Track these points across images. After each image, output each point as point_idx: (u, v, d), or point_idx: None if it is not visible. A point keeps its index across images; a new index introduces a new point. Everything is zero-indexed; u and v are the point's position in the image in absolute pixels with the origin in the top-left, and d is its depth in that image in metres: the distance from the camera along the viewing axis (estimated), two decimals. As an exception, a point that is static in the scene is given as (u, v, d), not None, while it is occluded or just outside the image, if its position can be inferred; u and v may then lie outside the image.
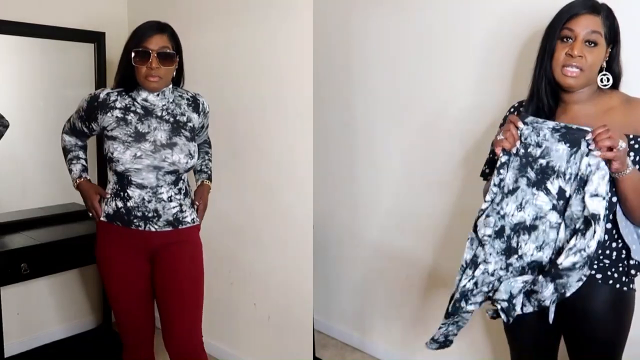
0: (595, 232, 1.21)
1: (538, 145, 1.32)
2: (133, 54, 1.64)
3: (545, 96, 1.40)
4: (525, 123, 1.33)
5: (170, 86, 1.77)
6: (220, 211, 2.55)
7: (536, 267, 1.33)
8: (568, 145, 1.28)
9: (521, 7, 1.95)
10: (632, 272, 1.38)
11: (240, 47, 2.38)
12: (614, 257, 1.36)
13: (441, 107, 2.27)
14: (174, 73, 1.75)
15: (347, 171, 2.70)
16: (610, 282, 1.36)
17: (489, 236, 1.35)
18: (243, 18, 2.35)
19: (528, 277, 1.32)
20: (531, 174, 1.33)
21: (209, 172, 2.01)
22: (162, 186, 1.72)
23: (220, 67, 2.48)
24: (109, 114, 1.71)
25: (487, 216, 1.36)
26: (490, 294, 1.36)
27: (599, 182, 1.23)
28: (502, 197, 1.35)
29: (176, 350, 1.80)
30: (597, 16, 1.32)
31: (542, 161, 1.32)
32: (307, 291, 2.28)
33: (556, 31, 1.35)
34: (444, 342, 1.50)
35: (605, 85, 1.37)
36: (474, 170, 2.17)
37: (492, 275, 1.35)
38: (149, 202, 1.71)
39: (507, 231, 1.35)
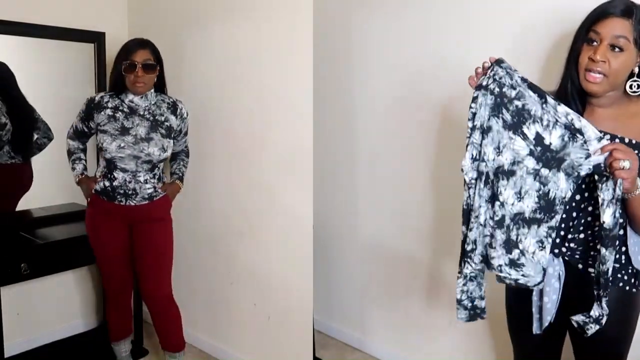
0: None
1: (512, 87, 1.31)
2: (123, 66, 2.05)
3: (572, 99, 1.36)
4: (500, 64, 1.32)
5: (152, 91, 2.17)
6: (220, 211, 2.55)
7: (521, 222, 1.31)
8: (537, 95, 1.29)
9: (521, 5, 1.96)
10: None
11: (240, 46, 2.38)
12: (623, 261, 1.36)
13: (441, 107, 2.27)
14: (155, 80, 2.15)
15: (347, 171, 2.70)
16: (620, 284, 1.36)
17: (475, 179, 1.36)
18: (243, 18, 2.35)
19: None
20: (507, 116, 1.31)
21: (181, 174, 2.37)
22: (140, 171, 2.13)
23: (220, 67, 2.48)
24: (102, 113, 2.11)
25: (474, 160, 1.36)
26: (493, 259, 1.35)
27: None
28: (480, 138, 1.35)
29: (150, 299, 2.26)
30: (627, 20, 1.24)
31: (518, 103, 1.30)
32: (307, 291, 2.28)
33: (582, 33, 1.30)
34: (472, 310, 1.46)
35: (634, 92, 1.31)
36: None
37: (484, 226, 1.36)
38: (130, 182, 2.12)
39: (491, 176, 1.35)
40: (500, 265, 1.34)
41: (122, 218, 2.18)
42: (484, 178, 1.35)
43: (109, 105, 2.12)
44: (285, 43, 2.21)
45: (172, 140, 2.20)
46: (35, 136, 2.52)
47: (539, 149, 1.28)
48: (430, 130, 2.32)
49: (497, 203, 1.33)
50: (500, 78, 1.32)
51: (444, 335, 2.39)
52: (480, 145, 1.35)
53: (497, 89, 1.32)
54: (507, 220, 1.32)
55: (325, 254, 2.81)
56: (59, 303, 2.79)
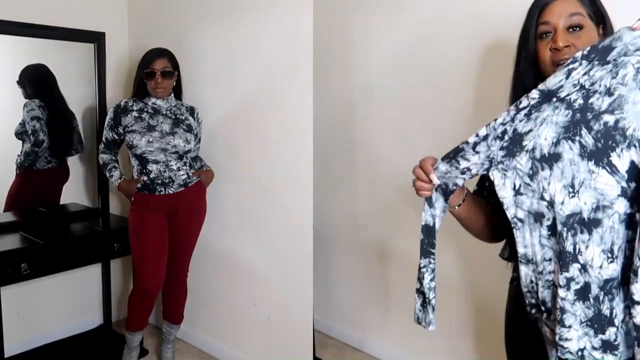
0: None
1: (609, 92, 0.88)
2: (144, 73, 2.27)
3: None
4: (600, 57, 0.87)
5: (172, 95, 2.38)
6: (220, 211, 2.55)
7: (614, 289, 0.91)
8: None
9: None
10: None
11: (241, 46, 2.38)
12: None
13: (441, 107, 2.27)
14: (174, 85, 2.37)
15: (347, 171, 2.70)
16: None
17: (521, 221, 1.00)
18: (243, 18, 2.35)
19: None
20: (587, 139, 0.91)
21: (208, 166, 2.52)
22: (170, 160, 2.31)
23: (220, 66, 2.48)
24: (129, 116, 2.32)
25: (519, 194, 0.99)
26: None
27: None
28: (531, 164, 0.97)
29: (168, 276, 2.42)
30: None
31: (609, 118, 0.89)
32: (307, 291, 2.28)
33: (530, 32, 1.14)
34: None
35: None
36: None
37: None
38: (164, 172, 2.30)
39: (559, 227, 0.94)
40: (581, 349, 0.95)
41: (163, 209, 2.32)
42: (553, 228, 0.96)
43: (134, 108, 2.33)
44: (285, 43, 2.21)
45: (193, 136, 2.37)
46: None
47: (632, 185, 0.89)
48: (431, 130, 2.32)
49: (576, 266, 0.93)
50: (593, 83, 0.89)
51: (444, 335, 2.39)
52: (533, 178, 0.98)
53: (580, 100, 0.92)
54: (595, 289, 0.92)
55: (325, 254, 2.81)
56: (59, 303, 2.80)
